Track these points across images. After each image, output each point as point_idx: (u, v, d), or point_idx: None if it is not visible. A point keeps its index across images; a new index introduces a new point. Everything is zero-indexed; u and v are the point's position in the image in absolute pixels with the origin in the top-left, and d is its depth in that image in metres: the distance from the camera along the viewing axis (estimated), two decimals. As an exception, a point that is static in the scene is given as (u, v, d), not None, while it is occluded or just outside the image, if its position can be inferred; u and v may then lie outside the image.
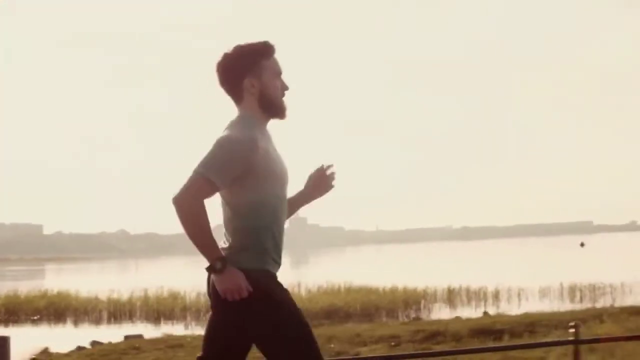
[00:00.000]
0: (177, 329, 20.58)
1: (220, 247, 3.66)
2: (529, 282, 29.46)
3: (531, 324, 13.66)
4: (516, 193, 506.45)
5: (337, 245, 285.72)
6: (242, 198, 3.66)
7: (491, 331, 13.01)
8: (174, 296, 27.48)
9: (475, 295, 27.23)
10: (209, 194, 3.61)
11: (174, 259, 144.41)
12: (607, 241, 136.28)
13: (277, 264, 3.76)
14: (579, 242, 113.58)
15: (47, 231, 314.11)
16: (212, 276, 3.64)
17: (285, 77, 3.89)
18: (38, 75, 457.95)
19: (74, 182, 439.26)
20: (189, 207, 3.55)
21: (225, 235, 3.75)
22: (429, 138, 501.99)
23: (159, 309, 25.47)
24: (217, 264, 3.58)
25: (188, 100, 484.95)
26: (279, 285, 3.72)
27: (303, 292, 26.96)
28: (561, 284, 27.70)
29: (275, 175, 3.74)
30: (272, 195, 3.72)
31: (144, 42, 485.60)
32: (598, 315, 14.31)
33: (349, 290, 26.23)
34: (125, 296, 27.91)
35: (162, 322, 23.96)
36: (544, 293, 27.63)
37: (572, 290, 27.13)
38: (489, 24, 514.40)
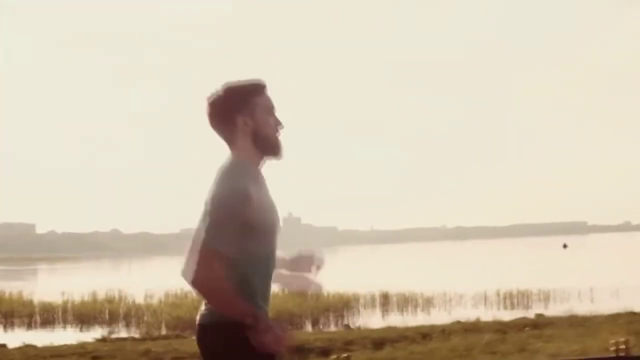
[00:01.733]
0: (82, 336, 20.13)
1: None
2: (473, 286, 29.20)
3: (351, 342, 13.16)
4: (511, 193, 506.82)
5: (330, 245, 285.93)
6: (235, 250, 3.57)
7: (302, 349, 12.47)
8: (110, 300, 27.25)
9: (407, 302, 26.91)
10: (221, 262, 3.52)
11: (167, 259, 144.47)
12: (595, 242, 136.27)
13: (266, 313, 3.68)
14: (562, 243, 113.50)
15: (40, 230, 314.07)
16: (248, 332, 3.51)
17: (277, 110, 3.78)
18: (32, 75, 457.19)
19: (68, 181, 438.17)
20: (208, 286, 3.51)
21: None
22: (424, 138, 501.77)
23: (82, 313, 25.23)
24: (250, 321, 3.49)
25: (187, 101, 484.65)
26: None
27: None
28: (497, 291, 27.40)
29: (267, 227, 3.66)
30: (263, 248, 3.65)
31: (143, 41, 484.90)
32: (452, 330, 14.10)
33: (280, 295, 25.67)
34: (76, 298, 27.66)
35: (84, 327, 23.64)
36: (473, 299, 27.34)
37: (503, 296, 26.81)
38: (489, 24, 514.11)
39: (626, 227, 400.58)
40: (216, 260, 3.50)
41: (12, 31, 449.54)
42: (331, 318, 23.19)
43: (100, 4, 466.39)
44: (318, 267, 4.02)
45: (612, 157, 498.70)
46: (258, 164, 3.73)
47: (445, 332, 13.86)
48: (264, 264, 3.68)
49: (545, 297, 26.71)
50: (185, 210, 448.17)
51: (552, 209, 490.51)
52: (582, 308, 21.16)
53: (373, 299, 26.92)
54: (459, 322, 16.45)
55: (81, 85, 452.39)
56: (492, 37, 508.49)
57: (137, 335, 18.27)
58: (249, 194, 3.55)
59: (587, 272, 40.16)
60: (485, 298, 27.30)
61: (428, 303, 26.82)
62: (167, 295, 27.33)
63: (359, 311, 25.07)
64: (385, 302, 26.76)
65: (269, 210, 3.70)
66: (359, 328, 18.22)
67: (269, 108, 3.75)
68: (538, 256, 77.14)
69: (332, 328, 20.19)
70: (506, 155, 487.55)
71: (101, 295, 28.38)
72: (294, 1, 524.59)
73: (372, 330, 15.92)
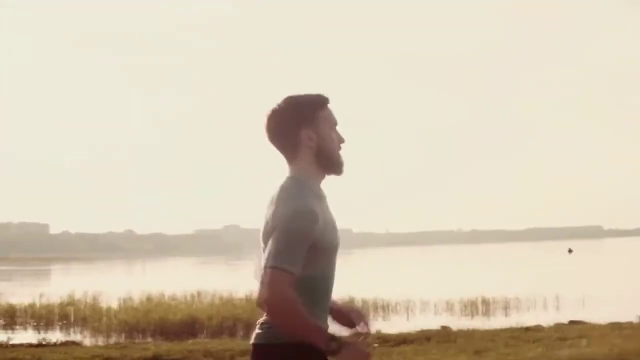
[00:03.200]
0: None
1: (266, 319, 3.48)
2: (438, 293, 28.83)
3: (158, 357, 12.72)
4: (527, 196, 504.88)
5: (345, 248, 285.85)
6: (301, 271, 3.42)
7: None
8: (72, 303, 27.04)
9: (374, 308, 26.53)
10: (291, 283, 3.36)
11: (180, 260, 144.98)
12: (606, 247, 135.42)
13: None
14: (567, 248, 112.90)
15: (53, 230, 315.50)
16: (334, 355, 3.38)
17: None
18: (48, 75, 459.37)
19: (82, 181, 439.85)
20: (280, 308, 3.33)
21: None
22: (440, 140, 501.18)
23: (39, 317, 25.03)
24: (333, 345, 3.35)
25: (203, 102, 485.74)
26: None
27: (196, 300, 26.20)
28: (448, 298, 27.03)
29: (331, 246, 3.52)
30: (326, 266, 3.53)
31: (159, 42, 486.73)
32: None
33: (235, 299, 25.24)
34: (53, 300, 27.55)
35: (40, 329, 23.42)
36: (437, 306, 26.99)
37: (467, 304, 26.44)
38: (497, 22, 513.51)
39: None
40: (287, 282, 3.36)
41: (22, 30, 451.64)
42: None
43: (112, 4, 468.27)
44: (366, 329, 3.74)
45: (628, 160, 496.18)
46: (320, 180, 3.60)
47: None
48: (327, 283, 3.56)
49: (506, 306, 26.29)
50: (199, 211, 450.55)
51: (568, 212, 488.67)
52: (527, 318, 20.90)
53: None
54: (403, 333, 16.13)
55: (95, 85, 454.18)
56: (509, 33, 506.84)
57: (77, 339, 18.08)
58: (316, 214, 3.42)
59: (571, 279, 39.81)
60: (436, 305, 26.94)
61: (386, 310, 26.52)
62: (148, 299, 26.69)
63: None
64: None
65: (331, 228, 3.56)
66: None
67: (333, 123, 3.62)
68: (536, 262, 76.57)
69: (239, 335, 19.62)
70: (524, 158, 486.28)
71: (76, 298, 28.17)
72: (297, 1, 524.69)
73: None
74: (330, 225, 3.56)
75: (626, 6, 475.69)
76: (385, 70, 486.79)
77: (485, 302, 26.13)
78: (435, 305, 26.99)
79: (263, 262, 3.41)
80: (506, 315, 24.24)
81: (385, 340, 14.43)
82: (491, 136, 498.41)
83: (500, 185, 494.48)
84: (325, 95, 3.63)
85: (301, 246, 3.39)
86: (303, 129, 3.54)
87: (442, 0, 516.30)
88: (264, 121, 3.59)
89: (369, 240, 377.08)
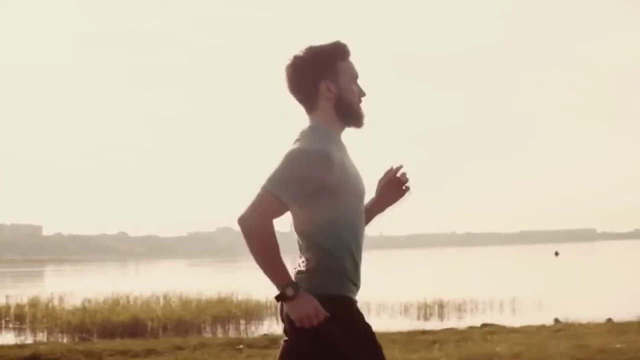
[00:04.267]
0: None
1: (296, 269, 3.42)
2: (399, 295, 28.81)
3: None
4: (521, 199, 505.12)
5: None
6: (317, 217, 3.38)
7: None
8: (33, 304, 27.09)
9: None
10: (278, 213, 3.32)
11: (173, 262, 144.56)
12: (596, 250, 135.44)
13: (357, 287, 3.48)
14: (554, 251, 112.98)
15: (46, 232, 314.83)
16: (284, 304, 3.36)
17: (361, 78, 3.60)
18: (43, 76, 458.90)
19: (75, 183, 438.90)
20: (254, 227, 3.26)
21: (299, 257, 3.47)
22: (435, 141, 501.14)
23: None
24: (289, 290, 3.29)
25: (200, 103, 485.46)
26: (358, 313, 3.45)
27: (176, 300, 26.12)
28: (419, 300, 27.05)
29: (352, 190, 3.44)
30: (349, 212, 3.42)
31: (159, 42, 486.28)
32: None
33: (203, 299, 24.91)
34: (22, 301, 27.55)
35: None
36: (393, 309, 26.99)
37: (422, 306, 26.47)
38: (496, 22, 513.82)
39: (636, 235, 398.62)
40: (273, 208, 3.30)
41: (27, 28, 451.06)
42: (222, 326, 22.28)
43: (114, 3, 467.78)
44: (404, 176, 3.77)
45: (622, 163, 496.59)
46: (340, 132, 3.54)
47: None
48: (352, 234, 3.44)
49: (461, 308, 26.24)
50: (194, 214, 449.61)
51: (562, 215, 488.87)
52: (452, 322, 21.04)
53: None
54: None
55: (89, 86, 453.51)
56: (503, 35, 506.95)
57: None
58: (331, 155, 3.35)
59: (536, 282, 39.90)
60: (391, 307, 26.84)
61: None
62: (114, 300, 26.52)
63: (261, 319, 24.62)
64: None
65: (354, 174, 3.50)
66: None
67: (353, 75, 3.56)
68: (520, 265, 76.70)
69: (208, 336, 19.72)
70: (518, 161, 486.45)
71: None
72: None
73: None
74: (351, 172, 3.48)
75: (627, 7, 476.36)
76: (381, 71, 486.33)
77: (423, 306, 26.05)
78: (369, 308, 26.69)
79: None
80: (442, 318, 24.18)
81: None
82: (486, 139, 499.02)
83: (495, 188, 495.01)
84: (347, 45, 3.55)
85: (304, 181, 3.30)
86: (322, 80, 3.48)
87: (446, 2, 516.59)
88: (284, 71, 3.52)
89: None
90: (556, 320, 18.37)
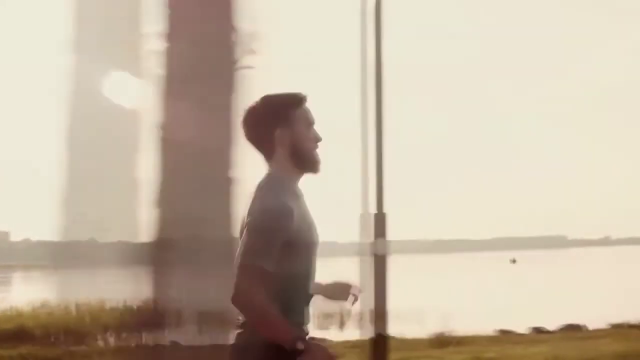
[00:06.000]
0: None
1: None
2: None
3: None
4: (493, 206, 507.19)
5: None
6: (278, 269, 3.44)
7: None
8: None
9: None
10: (263, 281, 3.39)
11: (140, 269, 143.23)
12: (558, 258, 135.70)
13: (307, 332, 3.59)
14: (511, 259, 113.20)
15: (14, 238, 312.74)
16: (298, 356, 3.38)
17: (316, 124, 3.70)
18: (14, 77, 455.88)
19: (43, 188, 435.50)
20: (251, 306, 3.37)
21: None
22: (406, 147, 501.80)
23: None
24: (299, 345, 3.35)
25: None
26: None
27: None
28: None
29: (307, 243, 3.55)
30: (303, 265, 3.54)
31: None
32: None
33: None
34: None
35: None
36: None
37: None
38: (480, 34, 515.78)
39: (606, 242, 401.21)
40: (259, 279, 3.38)
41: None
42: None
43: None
44: (355, 298, 3.90)
45: (593, 171, 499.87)
46: (297, 179, 3.62)
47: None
48: (305, 282, 3.56)
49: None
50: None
51: (533, 222, 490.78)
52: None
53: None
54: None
55: (64, 90, 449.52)
56: (479, 48, 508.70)
57: None
58: (291, 210, 3.44)
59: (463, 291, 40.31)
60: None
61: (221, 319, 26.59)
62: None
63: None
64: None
65: (309, 226, 3.59)
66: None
67: (309, 122, 3.63)
68: (453, 274, 76.18)
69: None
70: (489, 168, 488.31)
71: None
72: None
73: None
74: (308, 222, 3.57)
75: (612, 19, 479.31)
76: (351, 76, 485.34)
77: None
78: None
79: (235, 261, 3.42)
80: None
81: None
82: (459, 146, 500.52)
83: (466, 194, 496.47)
84: (302, 94, 3.63)
85: (273, 243, 3.39)
86: (277, 128, 3.55)
87: (432, 13, 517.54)
88: (240, 120, 3.63)
89: (333, 250, 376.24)
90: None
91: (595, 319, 19.67)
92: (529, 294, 38.97)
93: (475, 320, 23.02)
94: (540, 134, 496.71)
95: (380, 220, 6.74)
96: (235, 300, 3.37)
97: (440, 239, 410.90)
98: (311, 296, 3.61)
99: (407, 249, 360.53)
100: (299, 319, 3.54)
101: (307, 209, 3.63)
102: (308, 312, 3.60)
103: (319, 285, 3.81)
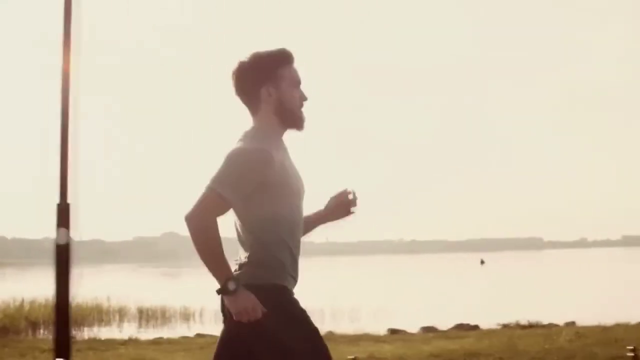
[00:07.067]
0: None
1: (237, 262, 3.61)
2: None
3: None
4: (470, 207, 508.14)
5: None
6: (257, 213, 3.57)
7: None
8: None
9: (150, 315, 26.26)
10: (222, 210, 3.50)
11: (118, 266, 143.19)
12: (528, 259, 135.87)
13: (294, 279, 3.67)
14: (480, 259, 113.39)
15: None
16: (225, 298, 3.51)
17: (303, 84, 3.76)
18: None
19: (17, 184, 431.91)
20: (199, 224, 3.44)
21: (240, 251, 3.66)
22: (382, 149, 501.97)
23: None
24: (230, 285, 3.44)
25: (143, 108, 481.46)
26: (293, 299, 3.64)
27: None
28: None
29: (291, 189, 3.64)
30: (288, 209, 3.62)
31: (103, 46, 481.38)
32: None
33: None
34: None
35: None
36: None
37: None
38: (468, 33, 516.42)
39: (582, 244, 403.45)
40: (217, 206, 3.47)
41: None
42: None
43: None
44: (354, 201, 4.00)
45: (570, 173, 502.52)
46: (281, 133, 3.71)
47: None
48: (290, 229, 3.63)
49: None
50: (139, 218, 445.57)
51: (510, 224, 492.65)
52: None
53: (123, 311, 26.30)
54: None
55: (44, 88, 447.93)
56: (468, 48, 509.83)
57: None
58: (270, 153, 3.54)
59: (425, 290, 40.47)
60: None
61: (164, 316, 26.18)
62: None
63: (98, 323, 24.52)
64: (136, 315, 26.04)
65: (293, 176, 3.68)
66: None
67: (295, 81, 3.72)
68: (418, 274, 75.94)
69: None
70: (466, 169, 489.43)
71: None
72: (258, 9, 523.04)
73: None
74: (291, 171, 3.65)
75: (605, 21, 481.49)
76: (346, 81, 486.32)
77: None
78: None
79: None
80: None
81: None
82: (435, 148, 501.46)
83: (443, 195, 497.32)
84: (290, 51, 3.71)
85: (245, 179, 3.48)
86: (264, 86, 3.65)
87: (420, 13, 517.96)
88: (231, 75, 3.70)
89: (308, 249, 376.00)
90: (391, 330, 18.69)
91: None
92: (470, 293, 38.89)
93: (400, 319, 23.09)
94: (517, 136, 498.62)
95: (63, 211, 7.00)
96: (189, 218, 3.46)
97: (414, 240, 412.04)
98: (298, 242, 3.67)
99: (381, 250, 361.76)
100: (289, 269, 3.62)
101: (291, 161, 3.73)
102: (297, 264, 3.66)
103: (316, 213, 3.98)
